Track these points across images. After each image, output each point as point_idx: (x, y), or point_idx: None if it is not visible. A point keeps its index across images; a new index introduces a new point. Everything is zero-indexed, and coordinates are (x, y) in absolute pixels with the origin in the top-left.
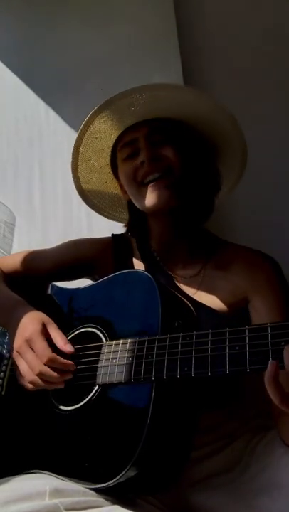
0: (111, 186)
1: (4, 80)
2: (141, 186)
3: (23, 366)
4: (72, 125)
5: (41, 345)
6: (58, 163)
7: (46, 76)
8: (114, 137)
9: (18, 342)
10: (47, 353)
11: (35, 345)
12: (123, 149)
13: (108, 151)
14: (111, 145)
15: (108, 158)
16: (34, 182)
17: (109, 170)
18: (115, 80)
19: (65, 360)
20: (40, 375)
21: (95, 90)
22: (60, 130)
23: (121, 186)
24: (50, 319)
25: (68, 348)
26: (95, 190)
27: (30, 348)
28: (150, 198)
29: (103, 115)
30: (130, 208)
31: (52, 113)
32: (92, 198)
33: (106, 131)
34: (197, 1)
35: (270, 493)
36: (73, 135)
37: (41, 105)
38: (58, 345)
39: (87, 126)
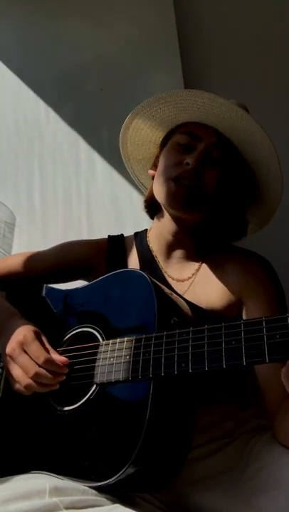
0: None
1: (4, 79)
2: (169, 179)
3: (16, 371)
4: (72, 125)
5: (37, 347)
6: (58, 163)
7: (46, 76)
8: (183, 120)
9: (12, 345)
10: (43, 354)
11: (29, 347)
12: (183, 135)
13: (169, 126)
14: (176, 123)
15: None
16: (34, 182)
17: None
18: (115, 80)
19: (62, 359)
20: (36, 376)
21: (95, 90)
22: (60, 130)
23: (156, 157)
24: (41, 332)
25: (62, 358)
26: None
27: (24, 351)
28: (166, 195)
29: (187, 99)
30: (152, 186)
31: (52, 113)
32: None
33: (177, 111)
34: (197, 1)
35: (269, 492)
36: (73, 135)
37: (41, 105)
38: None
39: (166, 97)
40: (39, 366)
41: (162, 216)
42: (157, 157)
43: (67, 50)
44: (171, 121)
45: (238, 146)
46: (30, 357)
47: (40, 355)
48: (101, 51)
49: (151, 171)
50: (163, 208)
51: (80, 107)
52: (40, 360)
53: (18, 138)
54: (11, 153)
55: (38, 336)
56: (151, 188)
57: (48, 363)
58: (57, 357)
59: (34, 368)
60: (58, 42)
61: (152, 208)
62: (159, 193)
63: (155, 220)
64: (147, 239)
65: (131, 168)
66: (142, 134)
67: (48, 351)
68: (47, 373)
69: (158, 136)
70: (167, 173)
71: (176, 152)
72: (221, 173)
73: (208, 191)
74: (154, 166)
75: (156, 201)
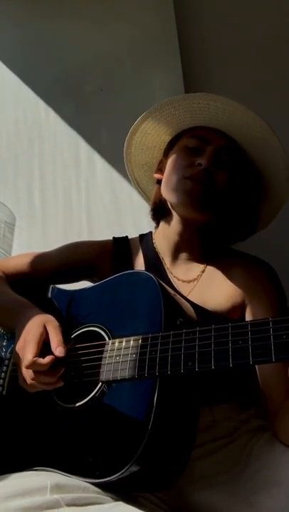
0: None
1: (4, 79)
2: (184, 178)
3: (23, 369)
4: (72, 125)
5: (29, 349)
6: (58, 163)
7: (46, 76)
8: (193, 124)
9: (20, 344)
10: (28, 357)
11: (26, 347)
12: (192, 139)
13: (177, 130)
14: (185, 127)
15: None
16: (34, 182)
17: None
18: (115, 80)
19: (45, 361)
20: (28, 377)
21: (95, 90)
22: (60, 130)
23: (160, 162)
24: (53, 319)
25: (58, 351)
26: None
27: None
28: (179, 195)
29: (199, 102)
30: (157, 188)
31: (52, 113)
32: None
33: (188, 114)
34: (197, 1)
35: (270, 491)
36: (73, 135)
37: (41, 105)
38: (52, 348)
39: (178, 99)
40: (26, 368)
41: (170, 219)
42: (161, 161)
43: (67, 50)
44: (179, 125)
45: (244, 147)
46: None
47: (26, 359)
48: (101, 51)
49: (157, 175)
50: (172, 209)
51: (80, 107)
52: (25, 364)
53: (18, 138)
54: (11, 153)
55: (43, 333)
56: (157, 191)
57: (32, 367)
58: (40, 363)
59: (23, 369)
60: (58, 42)
61: (159, 212)
62: (171, 193)
63: (162, 223)
64: (153, 240)
65: (132, 173)
66: (148, 139)
67: (58, 341)
68: (45, 377)
69: (163, 141)
70: (180, 173)
71: (186, 155)
72: (231, 175)
73: (219, 191)
74: (160, 170)
75: (164, 205)
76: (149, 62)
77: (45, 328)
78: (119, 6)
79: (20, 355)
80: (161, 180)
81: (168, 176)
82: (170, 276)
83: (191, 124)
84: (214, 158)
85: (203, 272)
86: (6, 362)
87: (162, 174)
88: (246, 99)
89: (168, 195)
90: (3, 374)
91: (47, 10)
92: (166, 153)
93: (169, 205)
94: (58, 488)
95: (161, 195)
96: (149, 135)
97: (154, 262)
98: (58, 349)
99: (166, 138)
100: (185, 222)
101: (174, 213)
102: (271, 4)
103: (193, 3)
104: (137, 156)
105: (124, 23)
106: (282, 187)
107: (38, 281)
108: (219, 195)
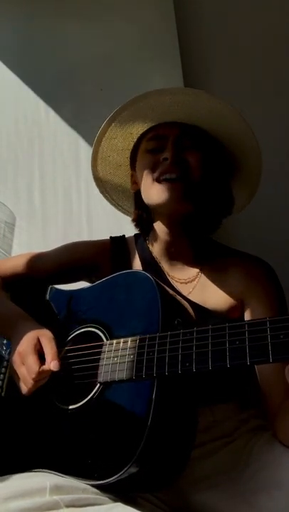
0: (123, 172)
1: (4, 79)
2: (155, 181)
3: (18, 380)
4: (72, 125)
5: (30, 361)
6: (58, 163)
7: (46, 76)
8: (142, 129)
9: (15, 356)
10: (34, 368)
11: (25, 360)
12: (150, 142)
13: (133, 140)
14: (137, 135)
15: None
16: (34, 182)
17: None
18: (115, 80)
19: (48, 368)
20: (33, 387)
21: (95, 90)
22: (60, 130)
23: (131, 176)
24: (46, 332)
25: (53, 365)
26: (107, 169)
27: (23, 363)
28: (160, 195)
29: (136, 107)
30: (136, 201)
31: (52, 113)
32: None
33: (135, 122)
34: (197, 1)
35: (270, 491)
36: (73, 135)
37: (41, 105)
38: (46, 361)
39: (119, 112)
40: (33, 380)
41: (155, 229)
42: (132, 175)
43: (67, 49)
44: (134, 134)
45: (205, 127)
46: (26, 369)
47: (32, 371)
48: (101, 51)
49: (133, 189)
50: (154, 214)
51: (80, 107)
52: (32, 376)
53: (18, 138)
54: (11, 153)
55: (37, 345)
56: (136, 205)
57: (40, 375)
58: (48, 372)
59: (29, 381)
60: (58, 42)
61: (143, 224)
62: (151, 197)
63: (151, 233)
64: (147, 242)
65: (111, 198)
66: (110, 161)
67: (53, 355)
68: (40, 383)
69: (125, 156)
70: (151, 176)
71: (150, 156)
72: (202, 155)
73: (195, 178)
74: (135, 183)
75: (145, 216)
76: (149, 62)
77: (38, 340)
78: (119, 6)
79: (16, 366)
80: (138, 192)
81: (143, 183)
82: (168, 276)
83: (142, 129)
84: (176, 148)
85: (201, 272)
86: (5, 363)
87: (138, 185)
88: (246, 99)
89: (150, 199)
90: (1, 375)
91: (47, 10)
92: (133, 166)
93: (150, 206)
94: (57, 489)
95: (138, 210)
96: (110, 157)
97: (150, 262)
98: (52, 363)
99: (127, 153)
100: (169, 221)
101: (158, 220)
102: (271, 4)
103: (193, 3)
104: (109, 181)
105: (125, 23)
106: (254, 157)
107: (36, 281)
108: (198, 182)
